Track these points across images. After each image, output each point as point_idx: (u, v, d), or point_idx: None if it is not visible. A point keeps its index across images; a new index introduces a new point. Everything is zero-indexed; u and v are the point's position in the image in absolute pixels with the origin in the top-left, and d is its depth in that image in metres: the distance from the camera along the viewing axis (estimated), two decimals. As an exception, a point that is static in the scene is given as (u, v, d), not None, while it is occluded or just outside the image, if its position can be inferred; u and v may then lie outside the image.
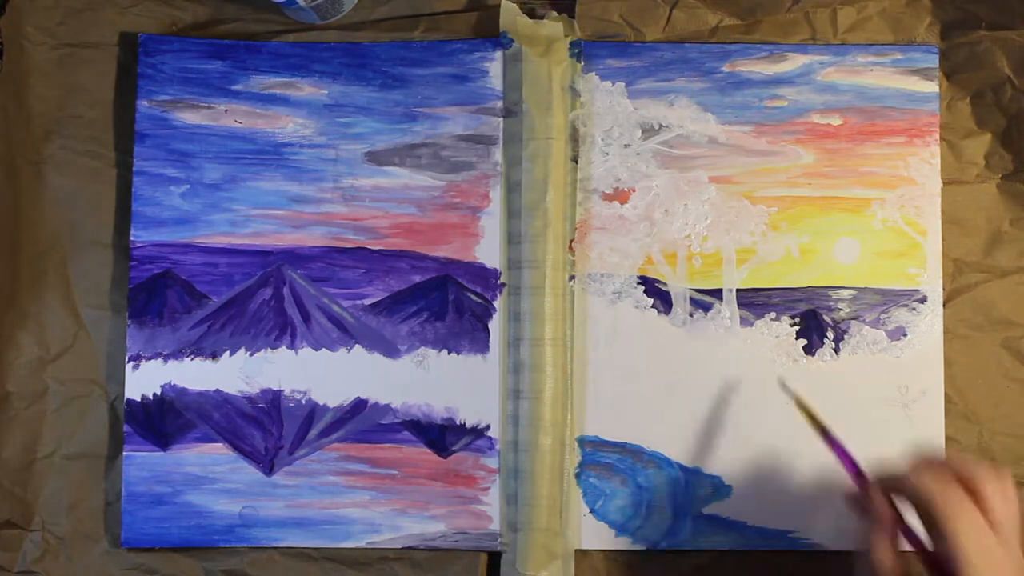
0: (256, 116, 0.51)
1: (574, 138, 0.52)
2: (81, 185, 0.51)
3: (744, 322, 0.51)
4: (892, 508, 0.41)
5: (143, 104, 0.51)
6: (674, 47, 0.52)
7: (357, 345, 0.51)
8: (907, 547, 0.41)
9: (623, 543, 0.50)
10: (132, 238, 0.50)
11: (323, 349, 0.51)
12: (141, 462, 0.50)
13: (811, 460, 0.50)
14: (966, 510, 0.38)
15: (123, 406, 0.50)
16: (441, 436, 0.50)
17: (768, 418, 0.51)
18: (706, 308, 0.51)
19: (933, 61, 0.52)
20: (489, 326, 0.51)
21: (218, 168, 0.51)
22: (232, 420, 0.50)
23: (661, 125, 0.52)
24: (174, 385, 0.50)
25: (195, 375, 0.50)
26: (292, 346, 0.51)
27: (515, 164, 0.51)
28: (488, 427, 0.50)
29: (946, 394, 0.51)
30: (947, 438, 0.50)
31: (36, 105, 0.51)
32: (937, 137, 0.52)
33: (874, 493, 0.42)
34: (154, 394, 0.50)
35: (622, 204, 0.51)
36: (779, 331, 0.51)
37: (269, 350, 0.50)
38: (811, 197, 0.51)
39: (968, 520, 0.38)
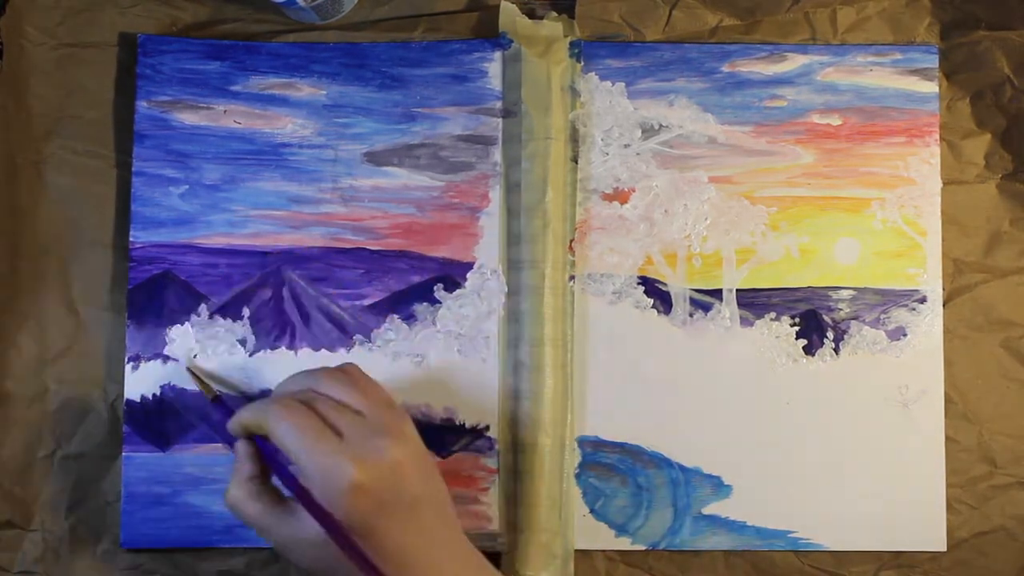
0: (255, 116, 0.51)
1: (574, 138, 0.51)
2: (81, 185, 0.51)
3: (744, 322, 0.51)
4: (256, 450, 0.41)
5: (142, 105, 0.51)
6: (674, 47, 0.52)
7: (356, 345, 0.51)
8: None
9: (623, 543, 0.50)
10: (131, 238, 0.50)
11: (323, 349, 0.51)
12: (140, 462, 0.50)
13: (811, 460, 0.50)
14: (290, 420, 0.38)
15: (122, 406, 0.50)
16: (440, 436, 0.50)
17: (768, 418, 0.51)
18: (706, 308, 0.51)
19: (933, 61, 0.52)
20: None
21: (217, 168, 0.51)
22: (232, 420, 0.50)
23: (661, 125, 0.52)
24: (173, 386, 0.50)
25: (195, 375, 0.50)
26: (291, 346, 0.51)
27: (514, 164, 0.51)
28: (487, 427, 0.50)
29: (946, 394, 0.51)
30: (947, 438, 0.50)
31: (36, 105, 0.51)
32: (937, 137, 0.52)
33: (233, 432, 0.41)
34: (153, 395, 0.50)
35: (622, 204, 0.51)
36: (779, 331, 0.51)
37: (268, 350, 0.50)
38: (811, 197, 0.51)
39: (292, 430, 0.38)
